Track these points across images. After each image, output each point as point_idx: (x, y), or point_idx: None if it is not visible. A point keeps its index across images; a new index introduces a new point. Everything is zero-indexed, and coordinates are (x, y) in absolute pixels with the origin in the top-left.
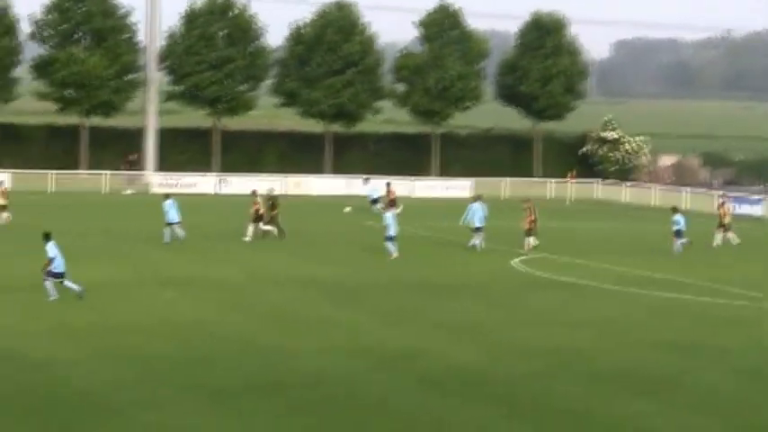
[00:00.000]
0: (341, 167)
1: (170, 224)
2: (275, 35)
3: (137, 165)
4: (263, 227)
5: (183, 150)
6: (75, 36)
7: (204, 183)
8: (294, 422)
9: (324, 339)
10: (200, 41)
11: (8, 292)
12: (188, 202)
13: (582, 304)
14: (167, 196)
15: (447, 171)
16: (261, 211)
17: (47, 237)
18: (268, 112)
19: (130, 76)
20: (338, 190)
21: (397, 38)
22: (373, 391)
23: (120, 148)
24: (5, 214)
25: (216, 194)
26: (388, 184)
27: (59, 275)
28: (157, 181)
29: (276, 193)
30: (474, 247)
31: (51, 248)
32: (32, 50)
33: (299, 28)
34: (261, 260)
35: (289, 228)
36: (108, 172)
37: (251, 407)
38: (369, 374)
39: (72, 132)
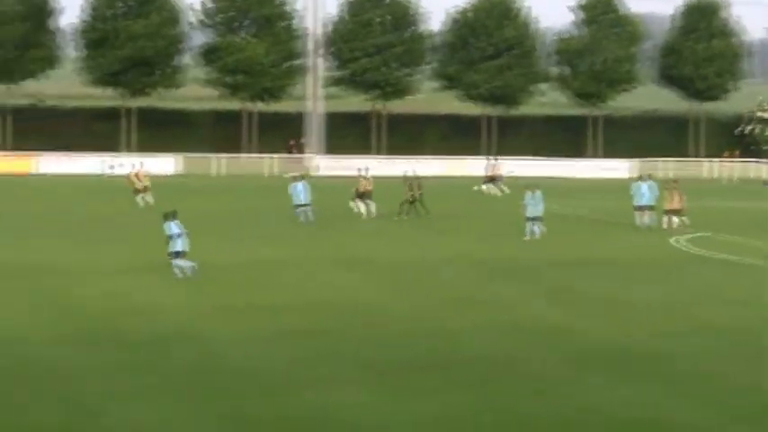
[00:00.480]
0: (501, 150)
1: (300, 206)
2: (433, 21)
3: (300, 149)
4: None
5: (345, 134)
6: (239, 23)
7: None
8: (456, 399)
9: (486, 317)
10: (362, 28)
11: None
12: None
13: (743, 282)
14: (296, 178)
15: (606, 152)
16: (368, 189)
17: (168, 216)
18: (429, 96)
19: (292, 62)
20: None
21: (553, 22)
22: (533, 369)
23: (283, 133)
24: (148, 197)
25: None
26: (491, 160)
27: (176, 254)
28: (323, 164)
29: (417, 174)
30: (645, 226)
31: (169, 228)
32: (196, 39)
33: (458, 13)
34: (422, 240)
35: (448, 209)
36: (272, 155)
37: (415, 385)
38: (529, 352)
39: (236, 117)
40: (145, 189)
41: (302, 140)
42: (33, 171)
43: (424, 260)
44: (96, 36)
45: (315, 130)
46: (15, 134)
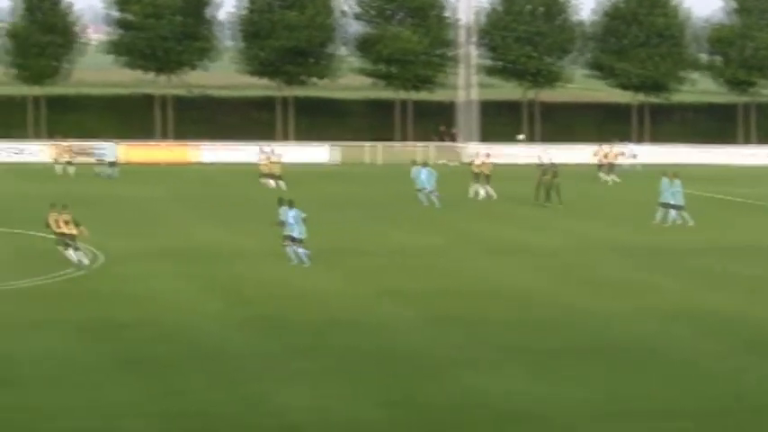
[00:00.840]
0: (654, 137)
1: (421, 190)
2: (583, 10)
3: (452, 137)
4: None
5: (497, 122)
6: (393, 13)
7: (520, 154)
8: (610, 384)
9: (638, 303)
10: (513, 17)
11: (341, 257)
12: (503, 172)
13: None
14: (415, 163)
15: (759, 139)
16: (485, 172)
17: (283, 202)
18: (580, 84)
19: (444, 52)
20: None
21: (702, 10)
22: (688, 354)
23: (435, 121)
24: (281, 182)
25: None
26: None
27: (291, 239)
28: (477, 152)
29: (553, 161)
30: None
31: (285, 214)
32: (350, 29)
33: (609, 2)
34: (570, 226)
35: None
36: (426, 143)
37: (569, 370)
38: (693, 338)
39: (389, 106)
40: (273, 174)
41: (453, 130)
42: (194, 160)
43: (567, 246)
44: (253, 27)
45: (467, 119)
46: (176, 124)
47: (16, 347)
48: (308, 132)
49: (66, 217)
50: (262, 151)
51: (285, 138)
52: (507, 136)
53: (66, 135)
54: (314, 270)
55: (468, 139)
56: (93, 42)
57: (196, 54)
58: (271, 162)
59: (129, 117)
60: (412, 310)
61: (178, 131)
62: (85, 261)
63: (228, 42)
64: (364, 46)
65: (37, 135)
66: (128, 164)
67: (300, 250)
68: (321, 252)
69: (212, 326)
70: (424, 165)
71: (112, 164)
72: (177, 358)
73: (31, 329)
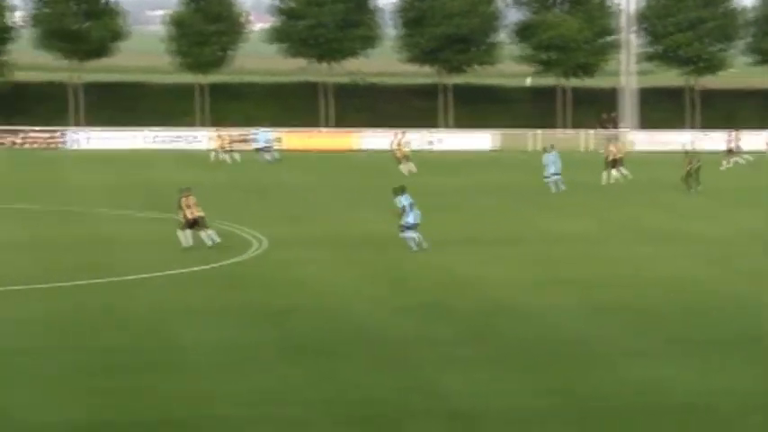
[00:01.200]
0: None
1: (551, 175)
2: None
3: (614, 122)
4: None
5: (658, 109)
6: (553, 1)
7: (676, 140)
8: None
9: None
10: (675, 4)
11: (503, 246)
12: (660, 159)
13: None
14: (545, 149)
15: None
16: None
17: (397, 191)
18: (742, 71)
19: (605, 39)
20: None
21: None
22: None
23: (596, 109)
24: (411, 166)
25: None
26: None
27: (410, 227)
28: (637, 139)
29: (696, 149)
30: None
31: (400, 201)
32: (510, 16)
33: None
34: (726, 214)
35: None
36: (588, 131)
37: (730, 360)
38: None
39: (550, 93)
40: (406, 158)
41: (613, 114)
42: (355, 147)
43: (723, 234)
44: (413, 14)
45: (628, 106)
46: (337, 111)
47: (180, 333)
48: (467, 120)
49: (194, 200)
50: (396, 137)
51: (446, 125)
52: (667, 123)
53: (228, 123)
54: (474, 258)
55: (629, 126)
56: (256, 30)
57: (358, 42)
58: (401, 148)
59: (291, 105)
60: (573, 299)
61: (339, 119)
62: (217, 239)
63: (390, 31)
64: (525, 33)
65: (202, 123)
66: (289, 151)
67: (415, 235)
68: (480, 240)
69: (375, 312)
70: (552, 148)
71: (267, 149)
72: (340, 344)
73: (195, 315)
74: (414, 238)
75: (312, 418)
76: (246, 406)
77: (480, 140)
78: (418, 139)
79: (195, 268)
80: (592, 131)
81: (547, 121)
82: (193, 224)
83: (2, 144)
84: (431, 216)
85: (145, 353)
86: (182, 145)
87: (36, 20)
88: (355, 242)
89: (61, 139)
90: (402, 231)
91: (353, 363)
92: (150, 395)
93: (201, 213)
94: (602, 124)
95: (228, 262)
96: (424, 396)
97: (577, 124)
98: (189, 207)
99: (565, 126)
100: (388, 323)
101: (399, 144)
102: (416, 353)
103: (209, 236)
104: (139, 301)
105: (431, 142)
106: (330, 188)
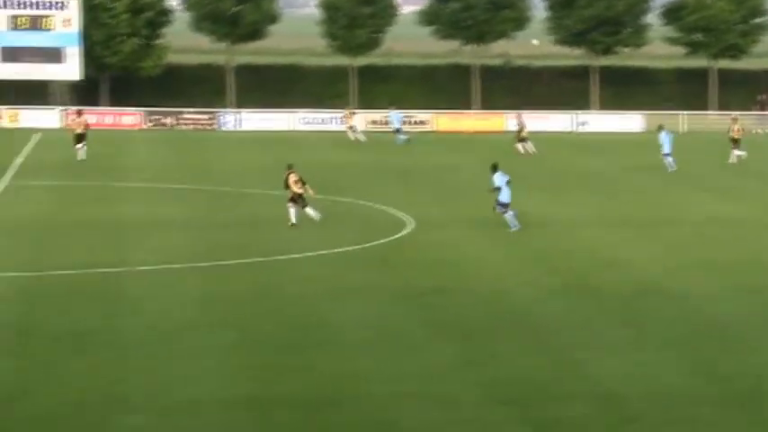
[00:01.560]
0: None
1: (665, 155)
2: None
3: (761, 106)
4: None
5: None
6: None
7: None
8: None
9: None
10: None
11: (650, 227)
12: None
13: None
14: (660, 128)
15: None
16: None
17: (494, 168)
18: None
19: (755, 20)
20: None
21: None
22: None
23: (746, 91)
24: (528, 146)
25: None
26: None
27: (504, 205)
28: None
29: None
30: None
31: (497, 179)
32: None
33: None
34: None
35: None
36: (739, 113)
37: None
38: None
39: (700, 75)
40: (522, 138)
41: (765, 96)
42: (503, 129)
43: None
44: None
45: None
46: (484, 93)
47: (334, 312)
48: (617, 102)
49: (295, 177)
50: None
51: (595, 107)
52: None
53: (378, 105)
54: (623, 239)
55: None
56: (405, 13)
57: (508, 24)
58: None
59: (441, 87)
60: (718, 281)
61: (486, 101)
62: (319, 215)
63: (539, 12)
64: (673, 14)
65: (353, 105)
66: (438, 132)
67: (511, 213)
68: (633, 221)
69: (525, 293)
70: (662, 127)
71: (398, 131)
72: (491, 324)
73: (348, 295)
74: (513, 216)
75: (462, 397)
76: (399, 383)
77: (629, 122)
78: (567, 121)
79: (348, 248)
80: (744, 113)
81: (697, 104)
82: (297, 199)
83: (159, 125)
84: (583, 197)
85: (304, 330)
86: (332, 127)
87: (191, 3)
88: (501, 223)
89: (215, 121)
90: (499, 209)
91: (504, 343)
92: (308, 374)
93: (301, 191)
94: (762, 106)
95: (380, 242)
96: (575, 378)
97: (727, 107)
98: (296, 182)
99: (714, 108)
100: (539, 304)
101: (520, 124)
102: (567, 334)
103: (315, 213)
104: (293, 280)
105: (582, 123)
106: (478, 169)
